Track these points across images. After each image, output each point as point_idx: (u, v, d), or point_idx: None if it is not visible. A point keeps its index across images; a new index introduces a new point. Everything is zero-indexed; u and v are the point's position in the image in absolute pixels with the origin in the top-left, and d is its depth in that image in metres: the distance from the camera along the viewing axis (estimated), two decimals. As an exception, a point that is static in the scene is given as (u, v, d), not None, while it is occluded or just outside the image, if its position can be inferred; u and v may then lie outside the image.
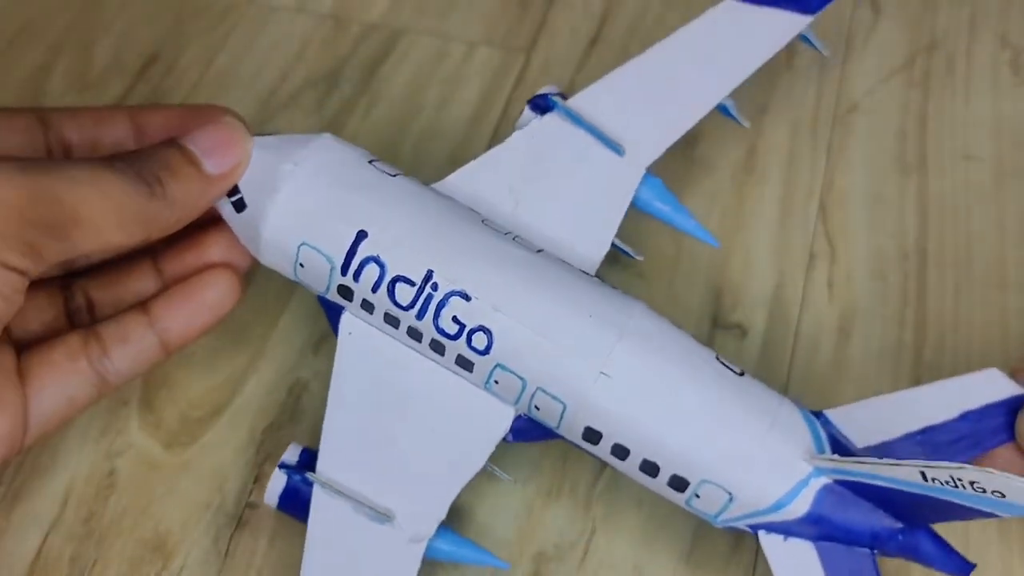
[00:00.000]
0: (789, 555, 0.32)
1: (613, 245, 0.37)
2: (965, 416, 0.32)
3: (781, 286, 0.43)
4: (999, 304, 0.42)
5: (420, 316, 0.33)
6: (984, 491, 0.28)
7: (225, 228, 0.35)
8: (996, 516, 0.29)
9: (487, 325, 0.32)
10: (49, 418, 0.33)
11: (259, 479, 0.37)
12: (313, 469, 0.33)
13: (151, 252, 0.36)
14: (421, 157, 0.47)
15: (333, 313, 0.35)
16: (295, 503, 0.33)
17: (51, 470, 0.38)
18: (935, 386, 0.32)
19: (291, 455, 0.34)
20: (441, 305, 0.32)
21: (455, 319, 0.32)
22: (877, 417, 0.33)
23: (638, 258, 0.40)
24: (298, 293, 0.42)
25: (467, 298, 0.32)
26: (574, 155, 0.38)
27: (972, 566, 0.32)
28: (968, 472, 0.27)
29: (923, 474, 0.29)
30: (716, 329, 0.42)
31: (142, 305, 0.35)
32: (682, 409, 0.32)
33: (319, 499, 0.33)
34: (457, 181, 0.37)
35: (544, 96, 0.39)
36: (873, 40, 0.52)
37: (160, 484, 0.37)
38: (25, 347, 0.33)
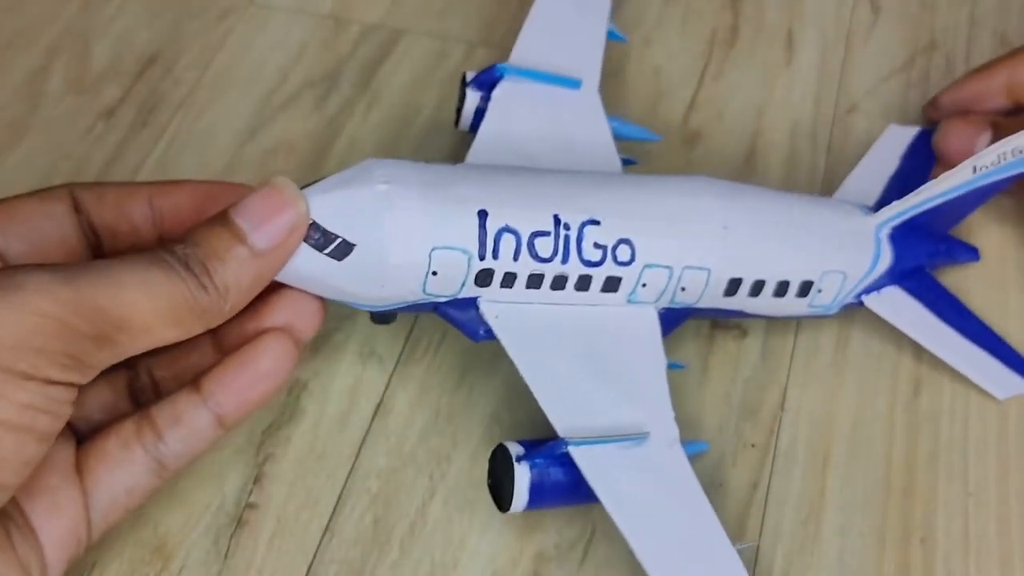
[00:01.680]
0: (890, 302, 0.40)
1: (622, 160, 0.42)
2: (904, 158, 0.44)
3: (781, 286, 0.43)
4: (999, 304, 0.42)
5: (565, 259, 0.35)
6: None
7: (284, 293, 0.33)
8: None
9: (624, 236, 0.35)
10: (109, 512, 0.31)
11: (259, 479, 0.37)
12: (535, 455, 0.33)
13: None
14: (421, 158, 0.46)
15: (460, 314, 0.35)
16: (542, 489, 0.33)
17: (50, 471, 0.38)
18: (868, 156, 0.45)
19: (516, 450, 0.34)
20: (579, 239, 0.35)
21: (596, 244, 0.35)
22: (863, 185, 0.43)
23: (636, 163, 0.44)
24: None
25: (597, 223, 0.35)
26: (544, 105, 0.42)
27: (977, 250, 0.43)
28: (1016, 140, 0.36)
29: (973, 168, 0.37)
30: (716, 329, 0.42)
31: (194, 381, 0.32)
32: (789, 229, 0.38)
33: (584, 458, 0.33)
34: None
35: (490, 69, 0.42)
36: (873, 40, 0.52)
37: (160, 485, 0.37)
38: (85, 437, 0.32)
